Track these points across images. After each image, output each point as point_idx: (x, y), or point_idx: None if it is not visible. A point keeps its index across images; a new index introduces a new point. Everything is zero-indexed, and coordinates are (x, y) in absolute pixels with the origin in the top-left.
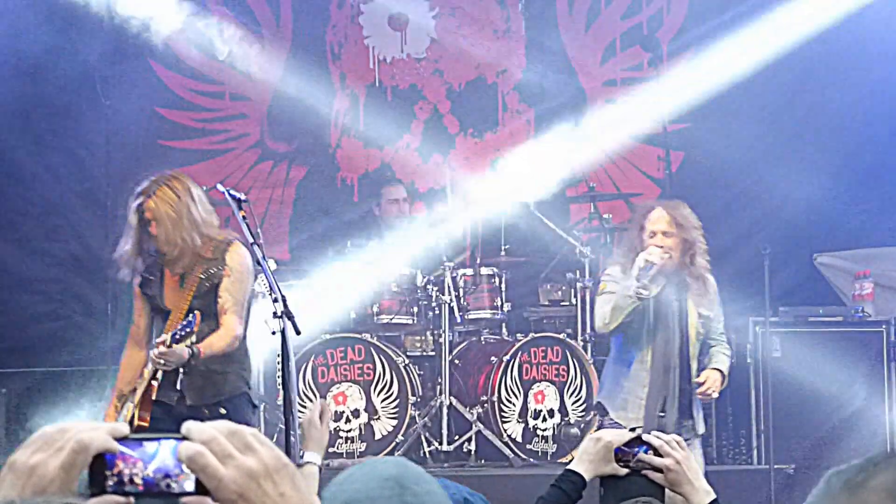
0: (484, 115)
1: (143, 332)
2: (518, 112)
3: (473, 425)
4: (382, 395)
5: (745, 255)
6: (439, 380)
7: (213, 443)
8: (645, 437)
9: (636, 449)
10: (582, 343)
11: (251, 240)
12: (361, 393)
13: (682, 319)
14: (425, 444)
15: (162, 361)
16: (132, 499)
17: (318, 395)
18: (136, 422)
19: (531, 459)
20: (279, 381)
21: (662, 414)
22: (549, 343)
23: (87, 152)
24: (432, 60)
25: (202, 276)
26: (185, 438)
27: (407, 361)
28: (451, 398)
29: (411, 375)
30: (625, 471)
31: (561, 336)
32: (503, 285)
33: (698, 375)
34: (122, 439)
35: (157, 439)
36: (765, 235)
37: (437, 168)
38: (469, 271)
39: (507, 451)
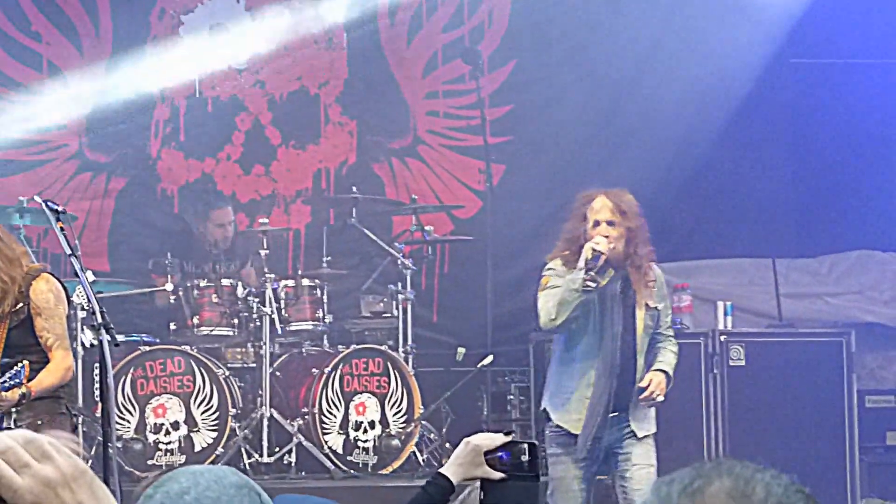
0: (306, 126)
1: None
2: (340, 124)
3: (294, 437)
4: (202, 408)
5: None
6: (260, 392)
7: (7, 453)
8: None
9: (499, 454)
10: (403, 355)
11: (69, 251)
12: (181, 405)
13: (629, 312)
14: (245, 457)
15: None
16: None
17: (136, 407)
18: None
19: (352, 471)
20: (97, 393)
21: (615, 413)
22: (370, 355)
23: None
24: (254, 72)
25: (11, 310)
26: None
27: (227, 373)
28: (272, 410)
29: (231, 387)
30: (498, 475)
31: (382, 348)
32: (325, 297)
33: (645, 372)
34: None
35: None
36: None
37: (259, 179)
38: (291, 283)
39: (328, 463)
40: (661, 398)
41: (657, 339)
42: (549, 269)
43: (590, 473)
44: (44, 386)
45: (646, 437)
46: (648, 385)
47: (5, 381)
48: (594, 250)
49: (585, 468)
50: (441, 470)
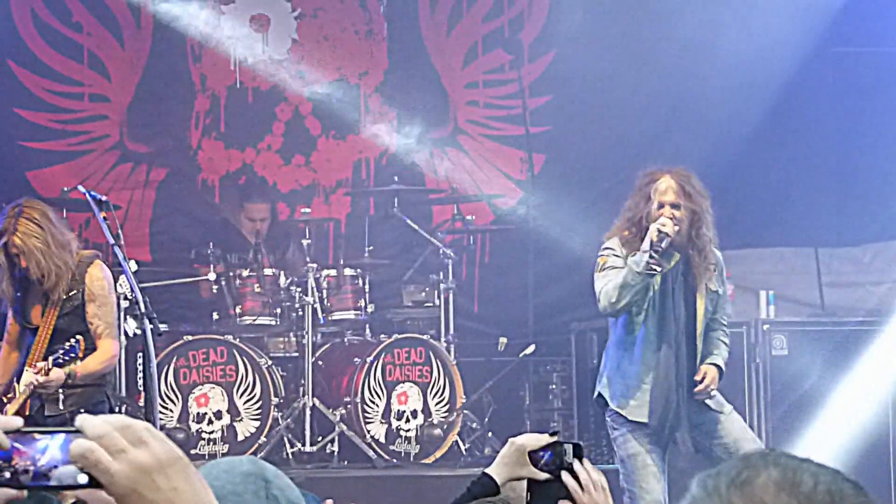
0: (346, 116)
1: (15, 337)
2: (380, 114)
3: (336, 426)
4: (245, 397)
5: None
6: (302, 381)
7: (105, 438)
8: (559, 440)
9: (542, 454)
10: (445, 344)
11: (112, 241)
12: (224, 395)
13: (690, 296)
14: (288, 446)
15: (42, 389)
16: (24, 492)
17: (179, 396)
18: None
19: (394, 460)
20: (140, 382)
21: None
22: (412, 344)
23: None
24: (294, 62)
25: (65, 297)
26: (77, 432)
27: (270, 363)
28: (315, 399)
29: (274, 377)
30: (544, 475)
31: (424, 337)
32: (366, 286)
33: (701, 361)
34: (13, 433)
35: (50, 433)
36: None
37: (299, 170)
38: (332, 272)
39: (370, 453)
40: (714, 393)
41: (711, 327)
42: (607, 248)
43: (662, 451)
44: (89, 370)
45: (731, 412)
46: (703, 378)
47: (58, 357)
48: (660, 232)
49: (656, 444)
50: (486, 470)
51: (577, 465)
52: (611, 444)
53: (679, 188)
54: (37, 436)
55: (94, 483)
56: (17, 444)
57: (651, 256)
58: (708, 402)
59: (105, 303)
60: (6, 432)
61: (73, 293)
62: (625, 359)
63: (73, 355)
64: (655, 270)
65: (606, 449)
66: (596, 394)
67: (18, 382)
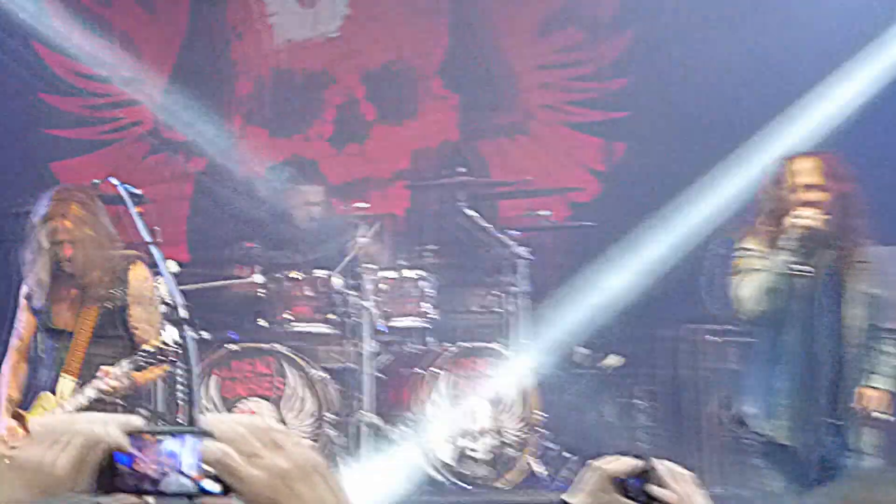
0: (403, 100)
1: (27, 347)
2: (441, 98)
3: (399, 444)
4: (295, 412)
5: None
6: (359, 395)
7: (237, 441)
8: (651, 464)
9: (631, 480)
10: (515, 353)
11: (148, 239)
12: (273, 410)
13: (842, 300)
14: (343, 467)
15: (110, 392)
16: (150, 499)
17: (222, 411)
18: None
19: (463, 484)
20: (180, 395)
21: (830, 421)
22: (480, 354)
23: None
24: (346, 40)
25: (104, 297)
26: (205, 434)
27: (322, 374)
28: (373, 415)
29: (327, 390)
30: (628, 503)
31: (494, 346)
32: (429, 289)
33: (867, 379)
34: (135, 434)
35: (177, 435)
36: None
37: (352, 159)
38: (392, 274)
39: (436, 475)
40: (886, 416)
41: (873, 337)
42: (744, 248)
43: (807, 483)
44: (146, 379)
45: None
46: (861, 399)
47: (139, 360)
48: (799, 225)
49: (800, 479)
50: (564, 496)
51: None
52: (722, 470)
53: (820, 167)
54: (160, 438)
55: (226, 490)
56: (138, 447)
57: (792, 254)
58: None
59: (150, 304)
60: (127, 433)
61: (113, 293)
62: (768, 375)
63: (152, 361)
64: (798, 271)
65: (719, 474)
66: (731, 412)
67: (53, 392)
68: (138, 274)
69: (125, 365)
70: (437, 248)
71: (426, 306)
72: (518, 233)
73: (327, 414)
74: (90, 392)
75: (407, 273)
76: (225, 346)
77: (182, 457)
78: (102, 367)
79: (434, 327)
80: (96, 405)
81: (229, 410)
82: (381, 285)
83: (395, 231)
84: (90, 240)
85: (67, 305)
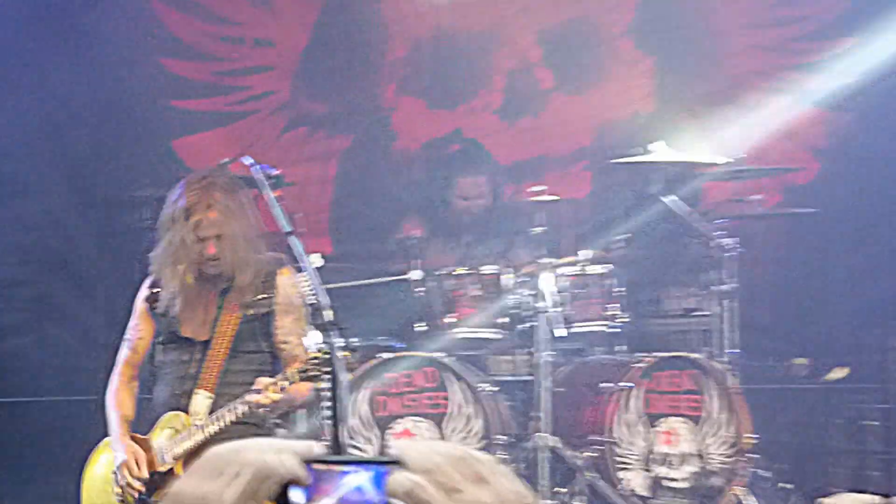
0: (587, 65)
1: (140, 360)
2: (632, 61)
3: (580, 473)
4: (460, 434)
5: None
6: (536, 413)
7: (435, 473)
8: None
9: None
10: (724, 366)
11: (288, 229)
12: (433, 430)
13: None
14: None
15: (268, 408)
16: None
17: (376, 432)
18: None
19: None
20: (325, 413)
21: None
22: (680, 365)
23: (65, 116)
24: None
25: (249, 303)
26: (395, 463)
27: (493, 389)
28: (553, 438)
29: (499, 408)
30: None
31: (696, 356)
32: (619, 289)
33: None
34: (312, 462)
35: (360, 464)
36: None
37: (525, 135)
38: (574, 270)
39: None
40: None
41: None
42: None
43: None
44: (302, 394)
45: None
46: None
47: (307, 371)
48: None
49: None
50: None
51: None
52: None
53: None
54: (341, 467)
55: None
56: (316, 479)
57: None
58: None
59: (299, 314)
60: (304, 463)
61: (260, 297)
62: None
63: (316, 373)
64: None
65: None
66: None
67: (181, 410)
68: (286, 281)
69: (291, 372)
70: (627, 239)
71: (614, 308)
72: (724, 221)
73: (497, 436)
74: (241, 408)
75: (591, 269)
76: (377, 355)
77: (367, 490)
78: (260, 378)
79: (624, 333)
80: (232, 427)
81: (382, 431)
82: (560, 283)
83: (577, 219)
84: (239, 235)
85: (202, 312)
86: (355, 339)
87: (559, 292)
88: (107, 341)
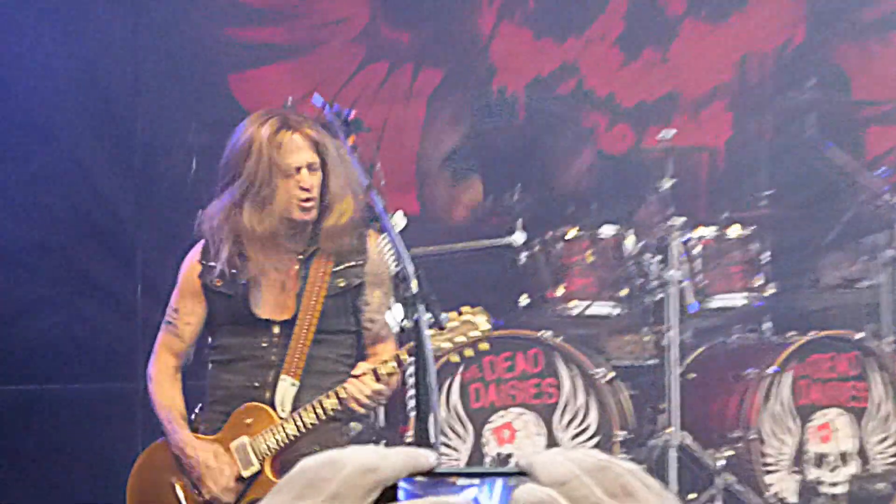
0: None
1: (186, 349)
2: None
3: (718, 477)
4: (573, 428)
5: None
6: (664, 405)
7: (573, 486)
8: None
9: None
10: (892, 347)
11: (365, 181)
12: (539, 424)
13: None
14: None
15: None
16: None
17: (470, 426)
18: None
19: None
20: (410, 405)
21: None
22: (839, 347)
23: (100, 52)
24: None
25: (343, 267)
26: (522, 475)
27: (611, 375)
28: (684, 434)
29: (618, 397)
30: None
31: (859, 336)
32: (765, 255)
33: None
34: (424, 475)
35: (477, 476)
36: None
37: (651, 71)
38: (710, 232)
39: None
40: None
41: None
42: None
43: None
44: (390, 385)
45: None
46: None
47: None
48: None
49: None
50: None
51: None
52: None
53: None
54: (457, 481)
55: None
56: (430, 493)
57: None
58: None
59: (389, 291)
60: (414, 476)
61: (349, 265)
62: None
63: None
64: None
65: None
66: None
67: (272, 406)
68: (380, 244)
69: (401, 352)
70: (775, 195)
71: (759, 279)
72: (893, 173)
73: (616, 432)
74: (339, 394)
75: (732, 231)
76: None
77: None
78: (362, 363)
79: (770, 308)
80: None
81: (477, 426)
82: (695, 248)
83: (714, 171)
84: (338, 166)
85: (279, 286)
86: (446, 316)
87: (692, 259)
88: (148, 318)
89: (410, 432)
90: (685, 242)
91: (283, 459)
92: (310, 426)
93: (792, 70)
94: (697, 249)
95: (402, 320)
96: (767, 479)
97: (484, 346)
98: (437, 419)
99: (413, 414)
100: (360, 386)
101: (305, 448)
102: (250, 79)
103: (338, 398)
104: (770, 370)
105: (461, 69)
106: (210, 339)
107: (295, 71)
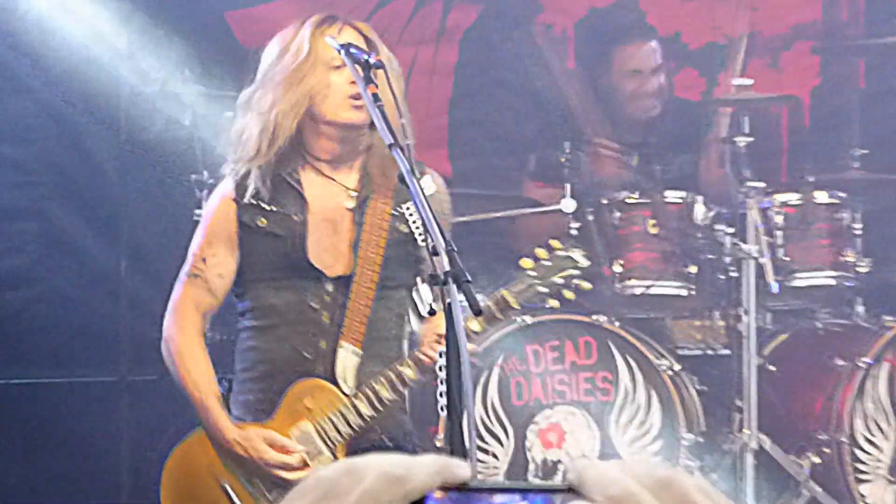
0: None
1: (216, 307)
2: None
3: (804, 486)
4: (633, 430)
5: None
6: (739, 401)
7: (628, 501)
8: None
9: None
10: None
11: (389, 139)
12: (591, 425)
13: None
14: None
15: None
16: None
17: (509, 427)
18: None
19: None
20: (443, 399)
21: None
22: None
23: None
24: None
25: (394, 212)
26: (570, 491)
27: (677, 367)
28: (762, 436)
29: (685, 393)
30: None
31: None
32: (858, 225)
33: None
34: (456, 489)
35: (523, 492)
36: None
37: (717, 9)
38: (793, 198)
39: None
40: None
41: None
42: None
43: None
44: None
45: None
46: None
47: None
48: None
49: None
50: None
51: None
52: None
53: None
54: (494, 497)
55: None
56: None
57: None
58: None
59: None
60: (445, 489)
61: (408, 209)
62: None
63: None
64: None
65: None
66: None
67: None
68: (437, 183)
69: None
70: (868, 155)
71: (851, 253)
72: None
73: (683, 434)
74: (421, 362)
75: (819, 197)
76: (516, 318)
77: None
78: (438, 332)
79: (864, 288)
80: None
81: (519, 427)
82: (775, 217)
83: (797, 127)
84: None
85: (331, 232)
86: (483, 296)
87: (772, 230)
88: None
89: (440, 434)
90: (764, 211)
91: (356, 447)
92: (388, 403)
93: (890, 5)
94: (778, 219)
95: (431, 302)
96: (861, 488)
97: (586, 285)
98: (472, 419)
99: (444, 413)
100: (437, 348)
101: (374, 434)
102: (248, 16)
103: (416, 366)
104: (863, 361)
105: (499, 4)
106: (238, 301)
107: (303, 7)
